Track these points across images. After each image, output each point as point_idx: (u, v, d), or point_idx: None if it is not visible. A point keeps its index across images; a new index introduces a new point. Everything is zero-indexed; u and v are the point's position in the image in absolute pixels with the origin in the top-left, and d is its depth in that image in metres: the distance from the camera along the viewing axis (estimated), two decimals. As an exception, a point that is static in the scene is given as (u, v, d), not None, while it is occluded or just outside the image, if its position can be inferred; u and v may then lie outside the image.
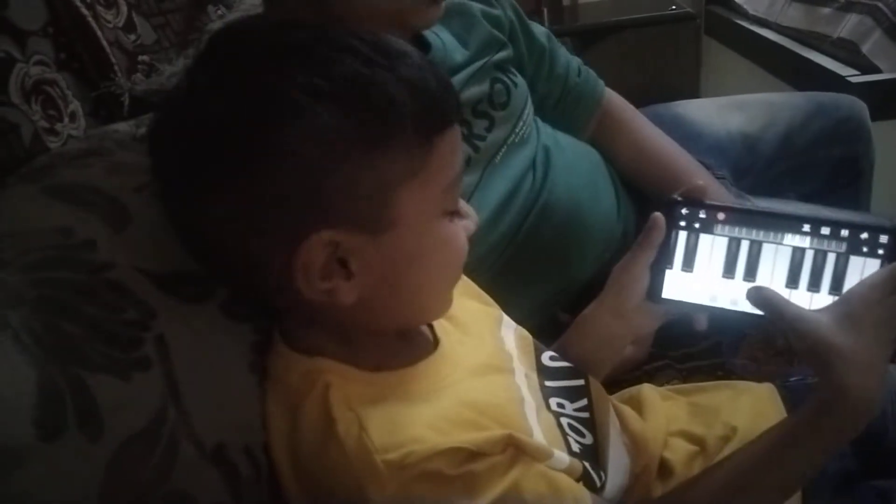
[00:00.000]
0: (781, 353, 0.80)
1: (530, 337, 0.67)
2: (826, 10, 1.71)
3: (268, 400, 0.53)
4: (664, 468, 0.66)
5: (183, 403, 0.46)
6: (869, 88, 1.48)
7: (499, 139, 0.82)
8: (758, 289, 0.58)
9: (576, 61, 0.98)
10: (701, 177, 0.92)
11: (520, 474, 0.50)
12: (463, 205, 0.56)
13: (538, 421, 0.56)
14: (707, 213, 0.60)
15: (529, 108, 0.87)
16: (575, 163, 0.89)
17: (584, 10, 2.18)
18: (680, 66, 2.04)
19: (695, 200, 0.60)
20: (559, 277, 0.88)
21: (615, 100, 1.00)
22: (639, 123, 0.99)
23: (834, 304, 0.55)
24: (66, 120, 0.75)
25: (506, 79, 0.85)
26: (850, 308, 0.54)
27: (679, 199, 0.61)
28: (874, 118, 1.18)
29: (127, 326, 0.46)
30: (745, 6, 2.06)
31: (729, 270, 0.60)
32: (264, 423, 0.52)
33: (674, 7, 1.94)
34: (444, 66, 0.80)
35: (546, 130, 0.90)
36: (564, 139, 0.92)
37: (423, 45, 0.79)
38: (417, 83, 0.47)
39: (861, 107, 1.13)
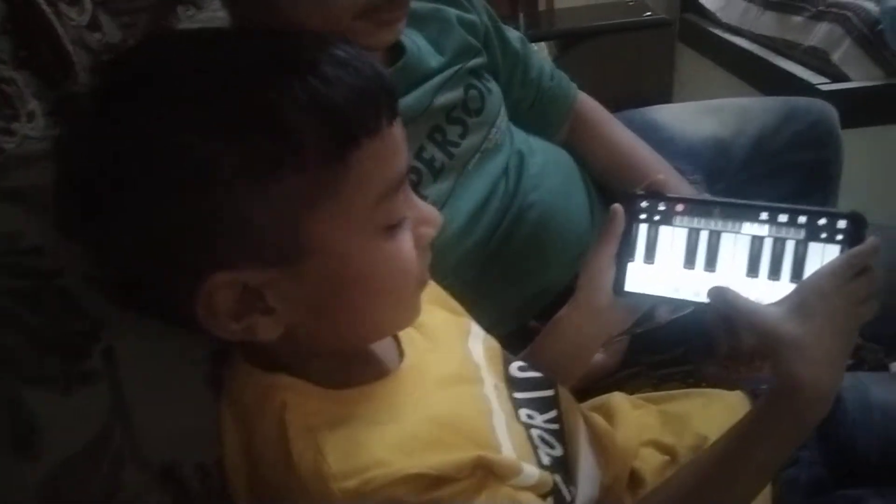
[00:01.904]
0: (751, 360, 0.79)
1: (499, 347, 0.65)
2: (798, 19, 1.73)
3: (223, 415, 0.50)
4: (635, 478, 0.65)
5: (130, 420, 0.44)
6: (838, 96, 1.50)
7: (473, 146, 0.81)
8: (719, 289, 0.58)
9: (548, 65, 0.97)
10: (663, 172, 0.91)
11: (487, 499, 0.48)
12: (423, 208, 0.52)
13: (508, 433, 0.55)
14: (666, 206, 0.60)
15: (503, 114, 0.86)
16: (548, 167, 0.88)
17: (559, 15, 2.18)
18: (654, 72, 2.06)
19: (654, 193, 0.61)
20: (532, 284, 0.86)
21: (588, 103, 0.99)
22: (612, 126, 0.98)
23: (787, 296, 0.54)
24: (24, 119, 0.72)
25: (480, 85, 0.84)
26: (802, 297, 0.53)
27: (639, 192, 0.61)
28: (842, 126, 1.19)
29: (73, 337, 0.44)
30: (718, 14, 2.08)
31: (689, 261, 0.60)
32: (220, 438, 0.50)
33: (649, 14, 1.95)
34: (418, 72, 0.79)
35: (519, 135, 0.89)
36: (538, 143, 0.91)
37: (398, 49, 0.78)
38: (316, 101, 0.42)
39: (832, 112, 1.13)
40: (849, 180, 1.18)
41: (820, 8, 1.67)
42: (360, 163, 0.44)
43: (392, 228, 0.48)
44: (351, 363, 0.53)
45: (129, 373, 0.45)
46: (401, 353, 0.56)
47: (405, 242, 0.49)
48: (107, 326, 0.46)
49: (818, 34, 1.64)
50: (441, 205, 0.77)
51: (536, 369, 0.64)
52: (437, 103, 0.79)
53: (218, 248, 0.43)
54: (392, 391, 0.52)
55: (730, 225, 0.59)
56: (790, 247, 0.57)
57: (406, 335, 0.58)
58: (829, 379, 0.52)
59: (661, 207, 0.61)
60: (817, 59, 1.63)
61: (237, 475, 0.49)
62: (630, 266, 0.62)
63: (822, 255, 0.56)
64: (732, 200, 0.60)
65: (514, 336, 0.92)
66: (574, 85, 0.99)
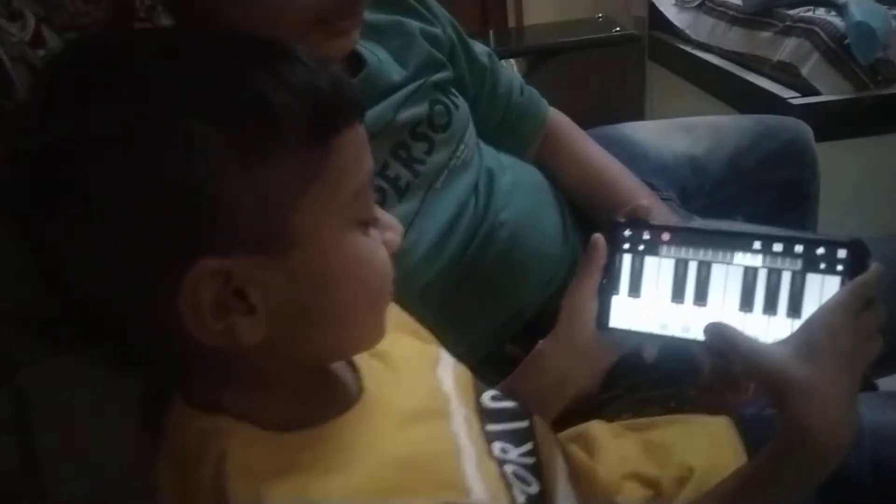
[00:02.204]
0: (737, 383, 0.76)
1: (470, 376, 0.61)
2: (766, 34, 1.74)
3: (162, 464, 0.46)
4: (617, 516, 0.62)
5: (40, 475, 0.39)
6: (809, 110, 1.51)
7: (440, 163, 0.77)
8: (716, 326, 0.54)
9: (518, 80, 0.94)
10: (646, 198, 0.89)
11: None
12: (383, 215, 0.51)
13: (479, 472, 0.51)
14: (651, 234, 0.57)
15: (471, 130, 0.83)
16: (519, 185, 0.85)
17: (529, 32, 2.17)
18: (625, 88, 2.06)
19: (638, 221, 0.57)
20: (505, 307, 0.83)
21: (560, 119, 0.96)
22: (584, 144, 0.95)
23: (793, 335, 0.51)
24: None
25: (446, 100, 0.80)
26: (810, 337, 0.50)
27: (621, 220, 0.57)
28: (816, 139, 1.18)
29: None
30: (687, 31, 2.09)
31: (678, 295, 0.56)
32: (157, 489, 0.45)
33: (618, 29, 1.95)
34: (379, 85, 0.75)
35: (489, 152, 0.86)
36: (508, 160, 0.88)
37: (358, 62, 0.74)
38: (303, 84, 0.42)
39: (806, 130, 1.12)
40: (822, 194, 1.17)
41: (787, 23, 1.68)
42: (340, 151, 0.44)
43: (367, 226, 0.47)
44: (306, 398, 0.48)
45: (42, 421, 0.40)
46: (360, 388, 0.52)
47: (379, 243, 0.48)
48: (21, 368, 0.40)
49: (787, 49, 1.65)
50: (407, 225, 0.74)
51: (511, 399, 0.60)
52: (400, 118, 0.75)
53: (204, 232, 0.41)
54: (348, 431, 0.48)
55: (721, 255, 0.55)
56: (786, 278, 0.53)
57: (367, 367, 0.54)
58: (844, 426, 0.48)
59: (646, 236, 0.57)
60: (787, 74, 1.64)
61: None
62: (614, 300, 0.58)
63: (821, 288, 0.52)
64: (723, 228, 0.57)
65: (489, 362, 0.88)
66: (545, 101, 0.96)
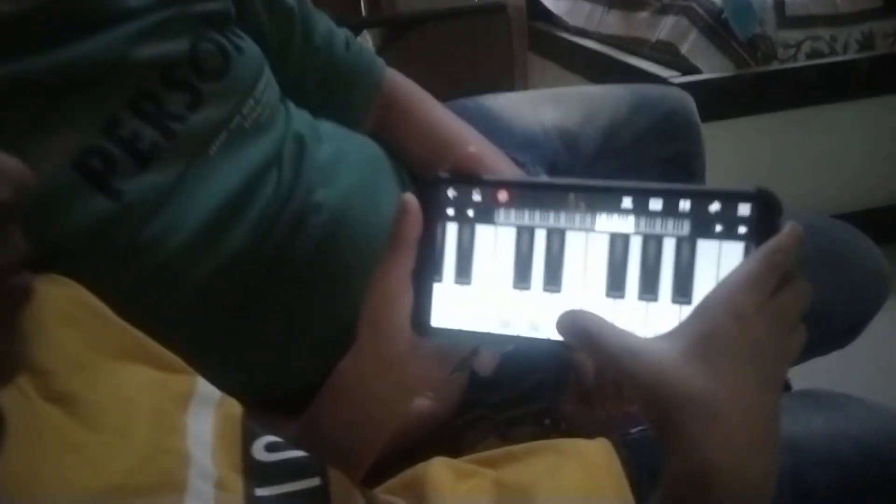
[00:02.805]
0: (618, 392, 0.61)
1: (240, 417, 0.43)
2: (643, 15, 1.67)
3: None
4: None
5: None
6: (690, 89, 1.41)
7: (211, 122, 0.57)
8: (572, 316, 0.38)
9: (343, 33, 0.76)
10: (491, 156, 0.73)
11: None
12: None
13: None
14: (484, 194, 0.41)
15: (268, 86, 0.63)
16: (342, 159, 0.66)
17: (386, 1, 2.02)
18: (493, 59, 1.92)
19: (465, 176, 0.41)
20: (328, 318, 0.62)
21: (401, 83, 0.78)
22: (432, 110, 0.78)
23: (684, 325, 0.35)
24: None
25: (221, 39, 0.60)
26: (708, 327, 0.34)
27: (442, 175, 0.41)
28: (700, 119, 1.08)
29: None
30: (565, 18, 2.01)
31: (522, 277, 0.41)
32: None
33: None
34: (100, 6, 0.54)
35: (301, 117, 0.67)
36: (329, 128, 0.69)
37: None
38: None
39: (688, 100, 1.01)
40: (709, 175, 1.07)
41: (664, 2, 1.61)
42: None
43: None
44: None
45: None
46: None
47: None
48: None
49: (665, 28, 1.57)
50: (155, 205, 0.54)
51: (299, 447, 0.42)
52: (138, 56, 0.54)
53: None
54: None
55: (578, 219, 0.40)
56: (669, 248, 0.38)
57: (32, 415, 0.35)
58: (763, 462, 0.33)
59: (477, 197, 0.41)
60: (667, 54, 1.57)
61: None
62: (436, 289, 0.42)
63: (717, 258, 0.37)
64: (580, 181, 0.41)
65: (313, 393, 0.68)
66: (381, 60, 0.78)
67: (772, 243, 0.35)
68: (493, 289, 0.41)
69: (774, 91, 1.50)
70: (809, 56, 1.51)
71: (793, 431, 0.44)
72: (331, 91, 0.73)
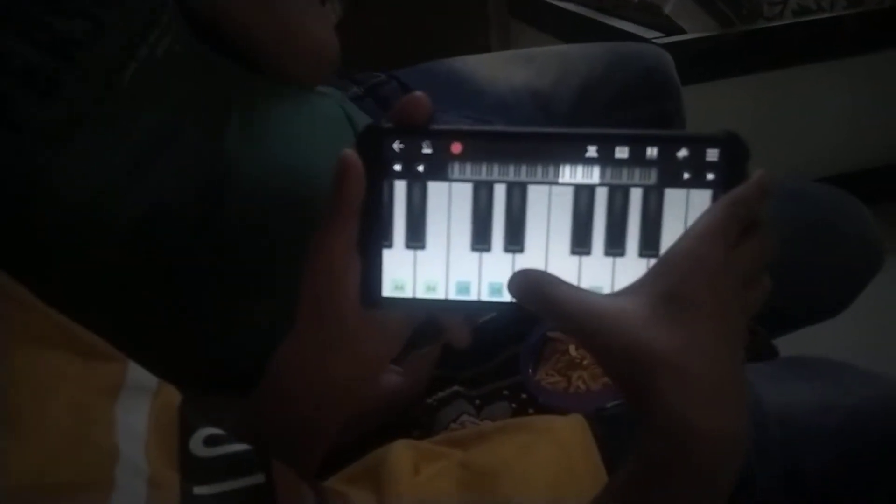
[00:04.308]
0: (596, 366, 0.57)
1: (176, 408, 0.38)
2: (625, -25, 1.61)
3: None
4: None
5: None
6: (674, 49, 1.37)
7: (119, 47, 0.51)
8: (523, 276, 0.34)
9: None
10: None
11: None
12: None
13: None
14: (435, 146, 0.36)
15: (178, 18, 0.57)
16: (284, 113, 0.61)
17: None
18: (469, 23, 1.85)
19: (413, 126, 0.36)
20: (269, 285, 0.58)
21: None
22: None
23: (647, 279, 0.33)
24: None
25: None
26: (673, 282, 0.32)
27: (387, 125, 0.37)
28: (683, 82, 1.03)
29: None
30: (545, -20, 1.96)
31: (481, 238, 0.37)
32: None
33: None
34: None
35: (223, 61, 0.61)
36: (278, 87, 0.63)
37: None
38: None
39: (666, 58, 0.97)
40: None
41: (646, -39, 1.55)
42: None
43: None
44: None
45: None
46: None
47: None
48: None
49: (646, -12, 1.52)
50: (65, 137, 0.48)
51: (241, 440, 0.38)
52: None
53: None
54: None
55: (540, 171, 0.36)
56: (636, 198, 0.36)
57: None
58: (737, 416, 0.31)
59: (427, 150, 0.37)
60: (650, 14, 1.52)
61: None
62: (386, 256, 0.38)
63: (685, 207, 0.36)
64: (539, 130, 0.37)
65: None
66: None
67: (735, 193, 0.33)
68: (450, 252, 0.37)
69: (759, 51, 1.46)
70: (796, 13, 1.47)
71: (782, 402, 0.41)
72: None
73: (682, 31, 1.45)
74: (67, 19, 0.50)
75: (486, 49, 1.87)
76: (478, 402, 0.63)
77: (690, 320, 0.31)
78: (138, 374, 0.39)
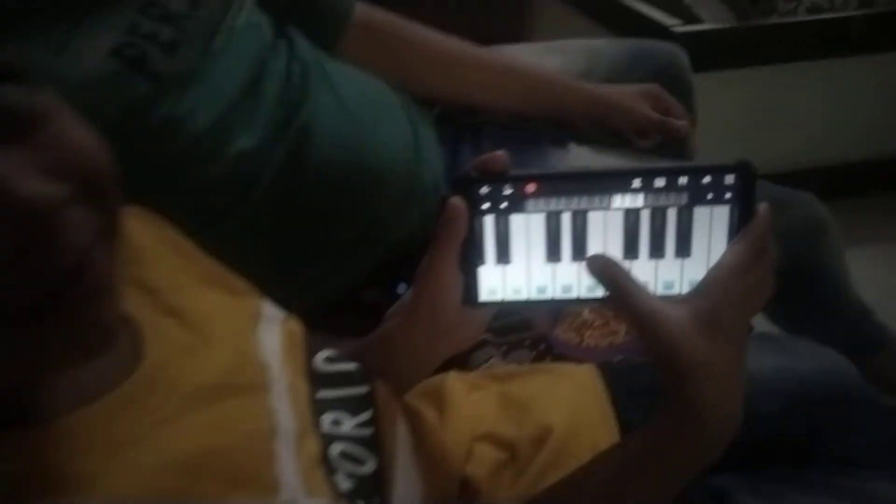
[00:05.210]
0: (605, 324, 0.70)
1: (301, 333, 0.51)
2: (650, -39, 1.67)
3: None
4: (467, 489, 0.54)
5: None
6: (691, 38, 1.46)
7: (211, 18, 0.69)
8: (603, 260, 0.46)
9: None
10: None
11: None
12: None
13: (296, 455, 0.41)
14: (514, 188, 0.47)
15: None
16: (344, 79, 0.76)
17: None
18: (502, 16, 1.93)
19: (495, 174, 0.47)
20: (347, 230, 0.73)
21: (377, 15, 0.85)
22: (413, 30, 0.86)
23: (694, 299, 0.44)
24: None
25: None
26: (711, 306, 0.43)
27: (474, 175, 0.47)
28: (696, 69, 1.13)
29: None
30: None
31: (553, 253, 0.48)
32: None
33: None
34: None
35: (307, 47, 0.77)
36: (336, 64, 0.79)
37: None
38: None
39: (681, 55, 1.08)
40: (703, 124, 1.13)
41: (671, -52, 1.62)
42: None
43: None
44: (45, 385, 0.36)
45: None
46: (138, 355, 0.41)
47: None
48: None
49: (669, -25, 1.59)
50: (184, 85, 0.66)
51: (351, 361, 0.51)
52: None
53: None
54: (115, 417, 0.37)
55: (597, 200, 0.47)
56: (672, 216, 0.47)
57: (155, 325, 0.43)
58: (737, 401, 0.44)
59: (508, 191, 0.47)
60: (670, 2, 1.59)
61: None
62: (480, 271, 0.49)
63: (709, 220, 0.46)
64: (595, 169, 0.49)
65: (344, 310, 0.78)
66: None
67: (751, 230, 0.45)
68: (530, 264, 0.49)
69: (770, 44, 1.54)
70: (810, 10, 1.54)
71: (749, 367, 0.53)
72: (303, 23, 0.80)
73: (700, 21, 1.53)
74: None
75: (521, 27, 1.94)
76: (504, 348, 0.76)
77: (718, 336, 0.43)
78: (269, 307, 0.52)
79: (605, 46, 1.05)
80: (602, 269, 0.46)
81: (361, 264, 0.77)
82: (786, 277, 0.81)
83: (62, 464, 0.34)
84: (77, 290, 0.31)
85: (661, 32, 1.52)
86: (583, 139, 0.92)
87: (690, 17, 1.53)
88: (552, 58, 0.99)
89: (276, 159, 0.70)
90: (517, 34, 1.95)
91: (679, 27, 1.52)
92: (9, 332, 0.30)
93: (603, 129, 0.92)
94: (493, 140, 0.87)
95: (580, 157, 0.89)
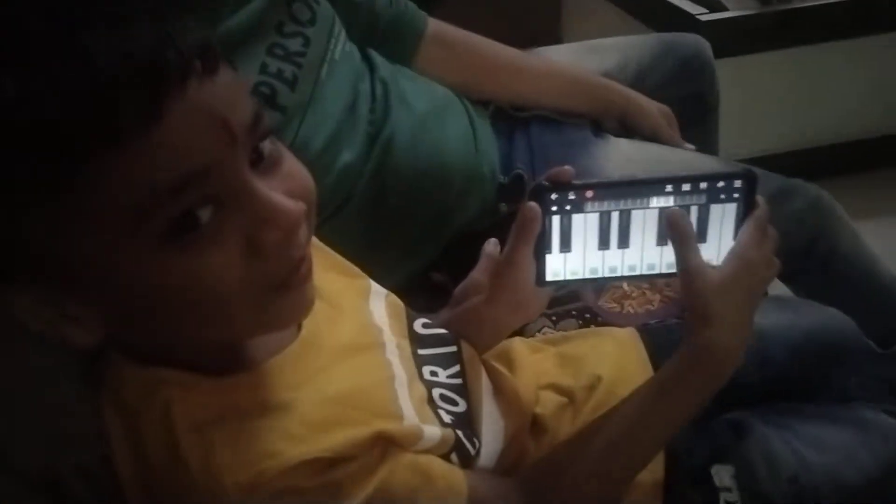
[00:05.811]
0: (643, 296, 0.83)
1: (401, 304, 0.65)
2: (675, -51, 1.74)
3: (106, 412, 0.48)
4: (536, 425, 0.67)
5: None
6: (716, 26, 1.54)
7: (319, 54, 0.83)
8: (680, 214, 0.59)
9: None
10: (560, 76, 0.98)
11: (388, 471, 0.49)
12: (259, 204, 0.42)
13: (409, 396, 0.55)
14: (576, 194, 0.61)
15: (339, 26, 0.87)
16: (415, 93, 0.90)
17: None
18: (537, 12, 2.04)
19: (562, 184, 0.61)
20: (419, 222, 0.88)
21: (446, 28, 0.98)
22: (476, 40, 0.99)
23: (724, 265, 0.59)
24: None
25: None
26: (735, 270, 0.58)
27: (546, 184, 0.61)
28: (720, 55, 1.22)
29: None
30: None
31: (604, 242, 0.62)
32: (104, 436, 0.47)
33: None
34: None
35: (384, 63, 0.91)
36: (403, 72, 0.92)
37: None
38: (26, 101, 0.35)
39: (704, 45, 1.17)
40: (726, 108, 1.22)
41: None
42: (107, 165, 0.36)
43: (187, 234, 0.40)
44: (235, 346, 0.51)
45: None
46: (298, 326, 0.55)
47: (212, 255, 0.41)
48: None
49: (694, -37, 1.66)
50: (302, 115, 0.80)
51: (441, 327, 0.65)
52: (261, 22, 0.80)
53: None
54: (286, 370, 0.51)
55: (639, 202, 0.60)
56: (694, 211, 0.60)
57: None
58: (740, 347, 0.58)
59: (571, 196, 0.61)
60: (695, -10, 1.66)
61: (128, 473, 0.47)
62: (548, 257, 0.63)
63: (721, 214, 0.60)
64: (638, 178, 0.62)
65: (414, 291, 0.92)
66: (424, 14, 0.97)
67: (757, 215, 0.59)
68: (585, 251, 0.62)
69: (794, 28, 1.60)
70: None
71: (762, 324, 0.67)
72: (382, 42, 0.94)
73: (724, 8, 1.61)
74: (289, 39, 0.81)
75: (557, 31, 2.04)
76: (554, 317, 0.89)
77: (736, 295, 0.57)
78: (373, 284, 0.66)
79: (634, 42, 1.16)
80: (676, 221, 0.59)
81: (431, 250, 0.91)
82: (802, 257, 0.95)
83: (268, 395, 0.48)
84: (301, 272, 0.45)
85: (688, 21, 1.60)
86: (619, 133, 1.04)
87: (715, 6, 1.61)
88: (589, 56, 1.11)
89: (368, 169, 0.84)
90: (554, 31, 2.04)
91: (704, 15, 1.60)
92: (271, 297, 0.44)
93: (622, 125, 1.04)
94: (542, 132, 0.99)
95: (618, 146, 1.01)
